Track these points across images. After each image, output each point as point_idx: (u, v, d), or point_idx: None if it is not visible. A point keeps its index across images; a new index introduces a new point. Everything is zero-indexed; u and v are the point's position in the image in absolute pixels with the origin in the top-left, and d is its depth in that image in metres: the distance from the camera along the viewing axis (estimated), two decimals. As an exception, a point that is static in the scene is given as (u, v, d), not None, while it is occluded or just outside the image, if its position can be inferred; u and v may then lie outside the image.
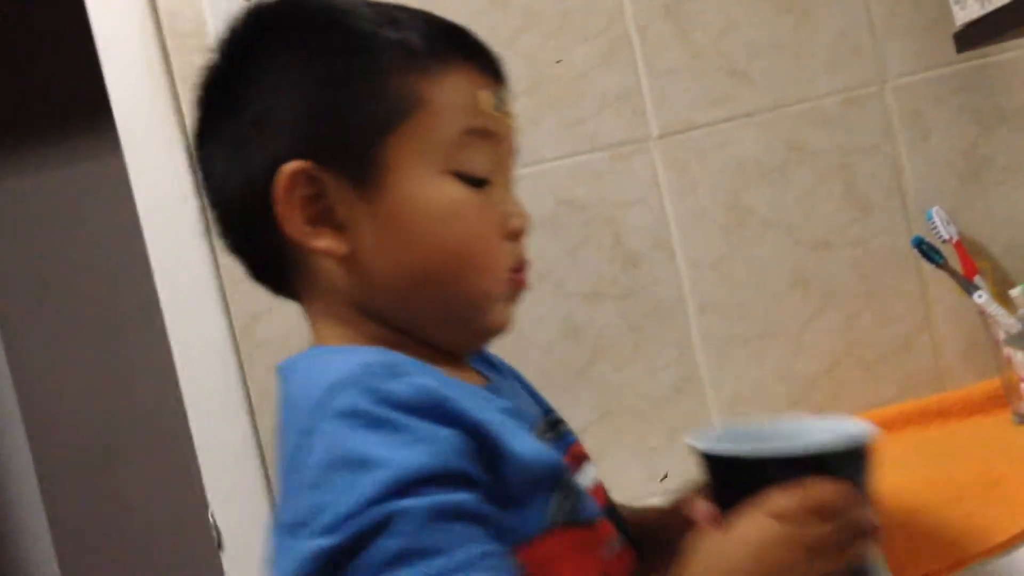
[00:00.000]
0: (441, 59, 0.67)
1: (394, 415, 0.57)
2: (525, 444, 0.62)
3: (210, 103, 0.70)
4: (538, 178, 1.16)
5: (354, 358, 0.62)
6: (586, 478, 0.72)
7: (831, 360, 1.17)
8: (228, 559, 1.19)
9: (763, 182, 1.16)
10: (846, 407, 1.17)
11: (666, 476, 1.05)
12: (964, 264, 1.11)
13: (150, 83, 1.17)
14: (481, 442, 0.59)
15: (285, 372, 0.66)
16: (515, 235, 0.70)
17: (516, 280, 0.70)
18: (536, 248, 1.15)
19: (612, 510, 0.72)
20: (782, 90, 1.16)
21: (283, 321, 1.12)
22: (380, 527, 0.54)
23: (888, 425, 1.14)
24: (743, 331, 1.18)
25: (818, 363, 1.17)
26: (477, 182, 0.67)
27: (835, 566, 0.59)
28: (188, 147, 1.18)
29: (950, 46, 1.08)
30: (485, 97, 0.68)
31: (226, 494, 1.16)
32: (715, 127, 1.16)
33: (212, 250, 1.18)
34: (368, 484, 0.54)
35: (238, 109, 0.67)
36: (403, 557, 0.53)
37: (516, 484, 0.60)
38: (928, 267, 1.13)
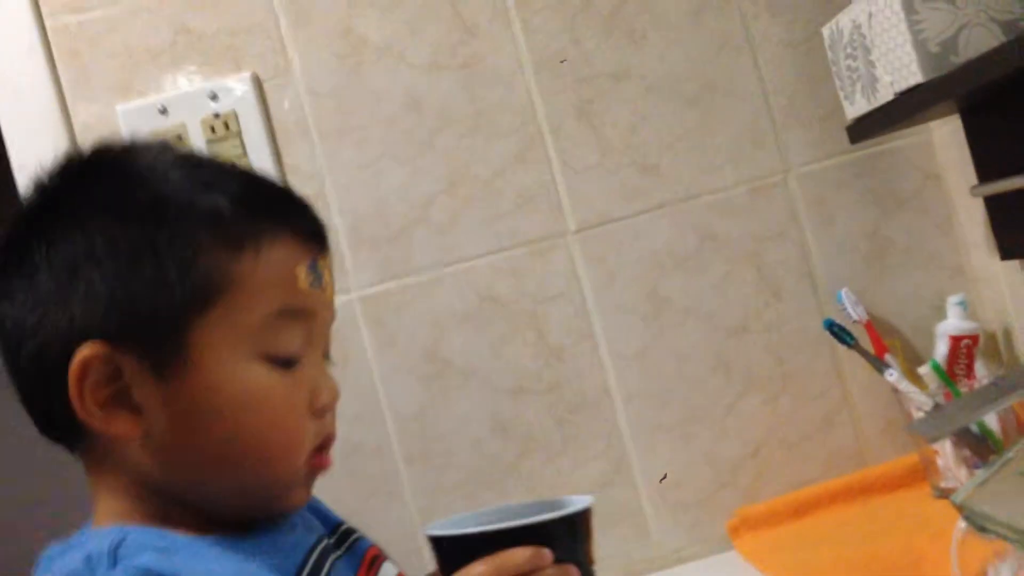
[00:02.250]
0: (257, 229, 0.64)
1: None
2: None
3: (8, 258, 0.66)
4: (460, 276, 1.18)
5: (84, 551, 0.60)
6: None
7: (755, 442, 1.19)
8: None
9: (678, 271, 1.19)
10: (772, 488, 1.18)
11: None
12: (874, 344, 1.15)
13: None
14: None
15: (39, 566, 0.64)
16: (323, 411, 0.68)
17: (317, 462, 0.68)
18: (461, 345, 1.18)
19: None
20: (691, 182, 1.20)
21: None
22: None
23: (813, 504, 1.16)
24: (668, 418, 1.19)
25: (742, 446, 1.19)
26: (286, 363, 0.65)
27: None
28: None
29: (846, 136, 1.13)
30: (302, 274, 0.66)
31: None
32: (630, 220, 1.19)
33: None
34: None
35: (34, 270, 0.63)
36: None
37: None
38: (841, 347, 1.17)
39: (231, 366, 0.63)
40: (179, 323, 0.62)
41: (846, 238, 1.20)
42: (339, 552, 0.73)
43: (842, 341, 1.14)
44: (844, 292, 1.17)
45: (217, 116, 1.15)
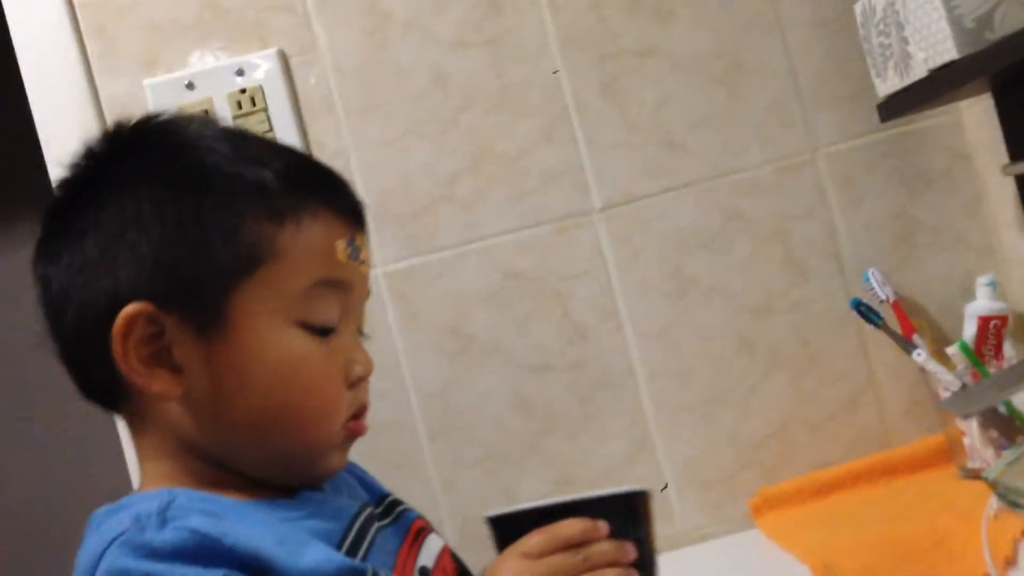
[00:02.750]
0: (299, 204, 0.66)
1: (154, 567, 0.57)
2: (313, 563, 0.61)
3: (55, 222, 0.68)
4: (484, 253, 1.18)
5: (133, 511, 0.61)
6: (430, 552, 0.73)
7: (778, 422, 1.19)
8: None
9: (704, 250, 1.19)
10: (796, 468, 1.18)
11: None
12: (902, 324, 1.14)
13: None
14: (257, 573, 0.58)
15: (89, 526, 0.64)
16: (357, 382, 0.70)
17: (353, 427, 0.70)
18: (485, 322, 1.18)
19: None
20: (718, 161, 1.19)
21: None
22: None
23: (837, 484, 1.15)
24: (692, 397, 1.19)
25: (766, 426, 1.19)
26: (323, 331, 0.67)
27: None
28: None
29: (876, 115, 1.12)
30: (341, 247, 0.68)
31: None
32: (655, 198, 1.19)
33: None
34: None
35: (81, 234, 0.65)
36: None
37: None
38: (868, 328, 1.16)
39: (270, 331, 0.65)
40: (222, 287, 0.64)
41: (874, 218, 1.19)
42: (385, 521, 0.74)
43: (869, 321, 1.14)
44: (871, 272, 1.16)
45: (243, 92, 1.15)
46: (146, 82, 1.17)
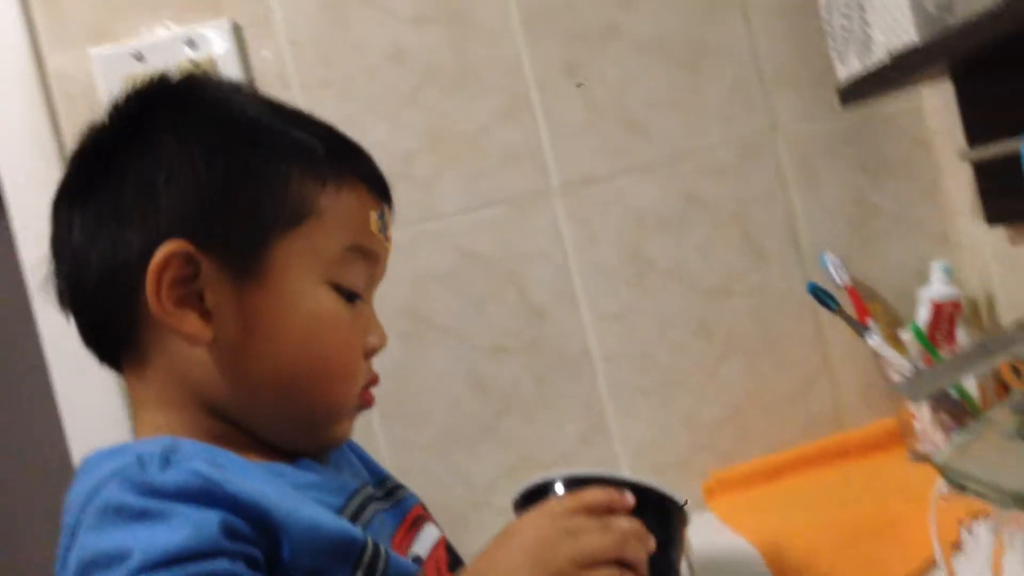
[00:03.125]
0: (338, 172, 0.68)
1: (153, 504, 0.55)
2: (311, 519, 0.60)
3: (87, 166, 0.68)
4: (441, 233, 1.16)
5: (135, 450, 0.60)
6: (425, 541, 0.72)
7: (735, 406, 1.19)
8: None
9: (662, 233, 1.18)
10: (750, 451, 1.18)
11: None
12: (857, 308, 1.15)
13: (38, 147, 1.13)
14: (256, 522, 0.57)
15: (81, 468, 0.63)
16: (371, 353, 0.72)
17: (365, 397, 0.72)
18: (440, 303, 1.17)
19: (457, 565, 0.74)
20: (678, 142, 1.18)
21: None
22: None
23: (789, 467, 1.16)
24: (648, 380, 1.19)
25: (722, 409, 1.19)
26: (350, 296, 0.69)
27: (595, 551, 0.61)
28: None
29: (837, 99, 1.12)
30: (374, 218, 0.70)
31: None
32: (614, 180, 1.18)
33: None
34: (115, 573, 0.52)
35: (119, 177, 0.65)
36: None
37: (304, 559, 0.59)
38: (824, 312, 1.16)
39: (305, 286, 0.66)
40: (264, 236, 0.65)
41: (832, 202, 1.20)
42: (384, 505, 0.73)
43: (825, 305, 1.14)
44: (828, 256, 1.16)
45: (195, 64, 1.12)
46: (93, 52, 1.14)
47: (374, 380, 0.73)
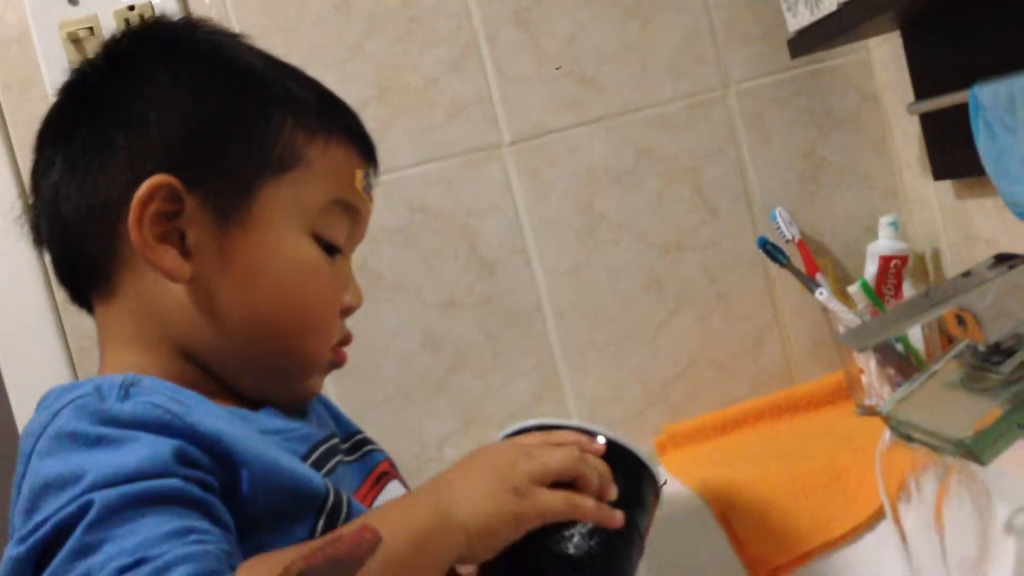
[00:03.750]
0: (328, 127, 0.69)
1: (109, 431, 0.55)
2: (273, 458, 0.60)
3: (74, 101, 0.67)
4: (390, 186, 1.14)
5: (93, 383, 0.59)
6: (388, 497, 0.72)
7: (686, 361, 1.19)
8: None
9: (614, 187, 1.17)
10: (702, 406, 1.19)
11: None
12: (806, 263, 1.15)
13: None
14: (214, 453, 0.57)
15: (39, 404, 0.62)
16: (347, 311, 0.72)
17: (338, 353, 0.72)
18: (391, 258, 1.15)
19: None
20: (629, 96, 1.17)
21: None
22: (67, 526, 0.51)
23: (740, 422, 1.17)
24: (600, 335, 1.18)
25: (674, 364, 1.19)
26: (332, 250, 0.69)
27: (565, 464, 0.62)
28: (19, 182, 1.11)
29: (787, 52, 1.12)
30: (359, 176, 0.71)
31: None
32: (566, 132, 1.16)
33: (46, 276, 1.11)
34: (68, 494, 0.52)
35: (107, 113, 0.65)
36: (85, 548, 0.50)
37: (263, 498, 0.58)
38: (774, 266, 1.17)
39: (288, 233, 0.66)
40: (250, 180, 0.65)
41: (782, 157, 1.19)
42: (349, 458, 0.73)
43: (775, 260, 1.14)
44: (778, 211, 1.17)
45: (132, 8, 1.08)
46: (26, -3, 1.09)
47: (348, 338, 0.73)
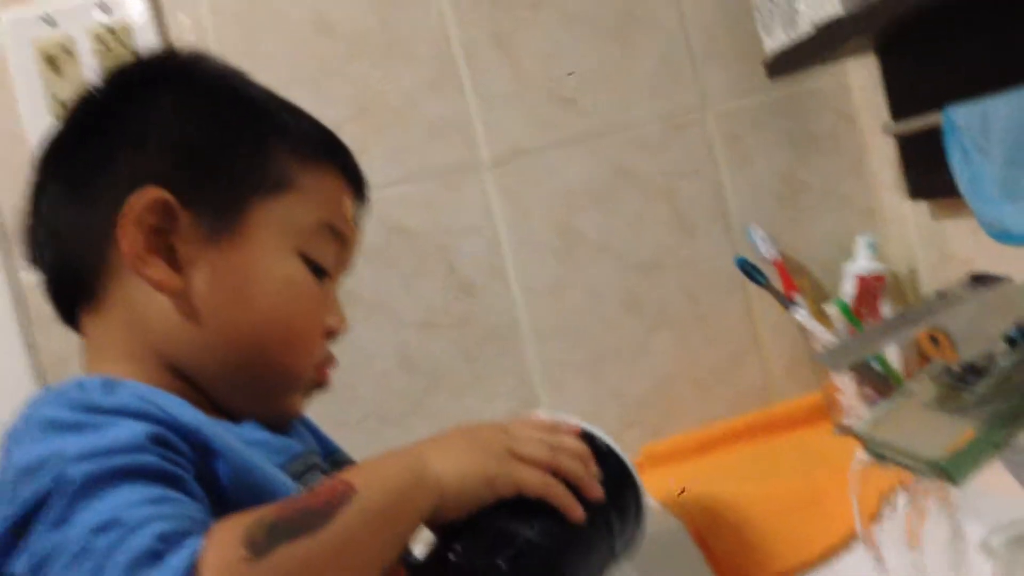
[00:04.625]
0: (322, 158, 0.71)
1: (88, 417, 0.55)
2: (250, 459, 0.60)
3: (78, 122, 0.69)
4: (369, 207, 1.13)
5: (76, 380, 0.60)
6: None
7: (664, 380, 1.19)
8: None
9: (593, 207, 1.17)
10: (680, 425, 1.19)
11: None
12: (784, 282, 1.16)
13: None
14: (193, 443, 0.57)
15: (27, 407, 0.62)
16: (331, 334, 0.73)
17: (321, 374, 0.73)
18: (369, 278, 1.14)
19: None
20: (608, 116, 1.17)
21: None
22: (42, 499, 0.51)
23: (718, 441, 1.17)
24: (579, 355, 1.18)
25: (652, 383, 1.19)
26: (318, 272, 0.70)
27: (543, 448, 0.63)
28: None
29: (764, 74, 1.12)
30: (348, 204, 0.73)
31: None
32: (544, 153, 1.17)
33: (15, 292, 1.10)
34: (45, 475, 0.52)
35: (111, 133, 0.67)
36: (61, 519, 0.50)
37: (239, 492, 0.58)
38: (752, 286, 1.17)
39: (278, 251, 0.68)
40: (243, 198, 0.67)
41: (761, 178, 1.20)
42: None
43: (753, 279, 1.14)
44: (757, 231, 1.17)
45: (110, 31, 1.08)
46: (2, 16, 1.08)
47: (331, 360, 0.74)
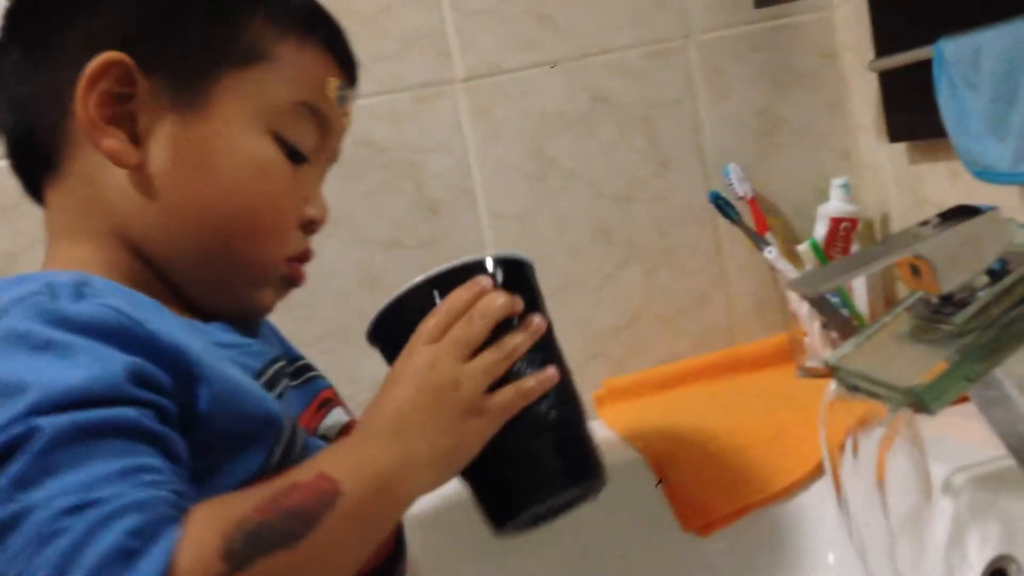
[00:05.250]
0: (307, 32, 0.66)
1: (61, 336, 0.51)
2: (233, 377, 0.57)
3: None
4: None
5: (44, 278, 0.55)
6: (331, 424, 0.70)
7: (630, 314, 1.17)
8: None
9: (567, 132, 1.14)
10: (643, 361, 1.17)
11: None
12: (756, 221, 1.14)
13: None
14: (174, 366, 0.53)
15: None
16: (310, 225, 0.69)
17: (294, 269, 0.68)
18: (331, 191, 1.08)
19: None
20: (588, 39, 1.14)
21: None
22: (10, 449, 0.47)
23: (680, 379, 1.16)
24: (545, 283, 1.14)
25: (617, 317, 1.17)
26: (294, 155, 0.66)
27: (497, 359, 0.63)
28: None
29: (750, 3, 1.09)
30: (332, 85, 0.67)
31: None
32: (521, 73, 1.13)
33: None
34: (11, 408, 0.48)
35: None
36: (28, 479, 0.46)
37: (222, 419, 0.55)
38: (723, 223, 1.15)
39: (246, 130, 0.63)
40: (209, 68, 0.62)
41: (739, 112, 1.17)
42: (294, 383, 0.70)
43: (726, 215, 1.12)
44: (732, 167, 1.15)
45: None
46: None
47: (306, 255, 0.70)
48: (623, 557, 0.95)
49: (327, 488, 0.51)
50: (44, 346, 0.50)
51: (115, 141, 0.61)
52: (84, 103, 0.60)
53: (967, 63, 0.80)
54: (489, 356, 0.63)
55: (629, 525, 0.95)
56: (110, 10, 0.62)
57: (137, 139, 0.61)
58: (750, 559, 0.92)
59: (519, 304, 0.65)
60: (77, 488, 0.46)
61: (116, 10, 0.62)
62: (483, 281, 0.65)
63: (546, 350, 0.67)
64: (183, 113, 0.62)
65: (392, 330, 0.66)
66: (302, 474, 0.53)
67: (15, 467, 0.46)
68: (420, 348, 0.63)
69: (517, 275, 0.68)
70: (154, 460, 0.49)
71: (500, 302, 0.64)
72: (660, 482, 0.96)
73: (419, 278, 0.67)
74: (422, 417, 0.60)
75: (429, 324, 0.63)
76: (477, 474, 0.64)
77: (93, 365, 0.50)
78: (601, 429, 1.09)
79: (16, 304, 0.53)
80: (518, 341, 0.64)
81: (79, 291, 0.54)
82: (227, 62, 0.63)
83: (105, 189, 0.62)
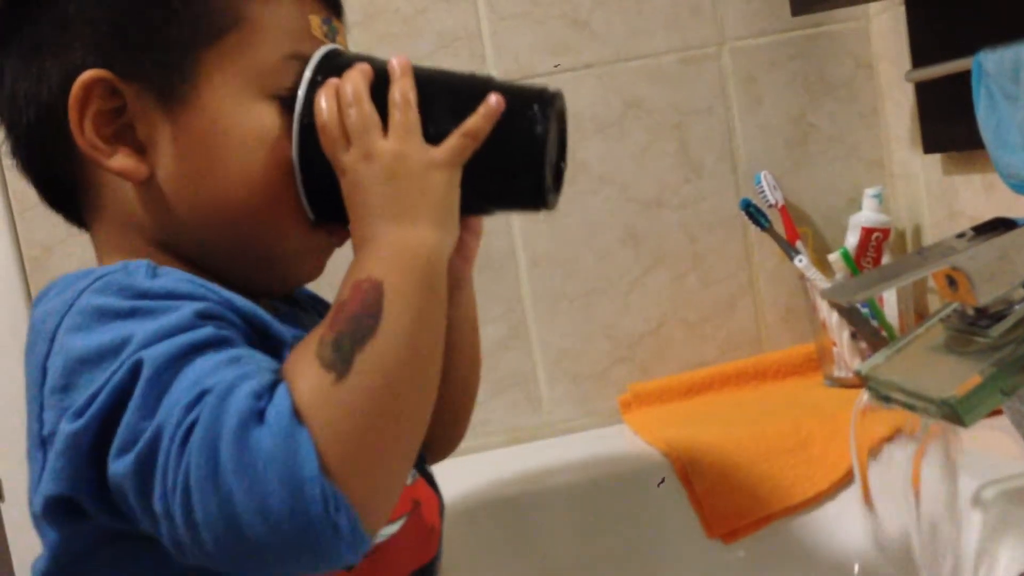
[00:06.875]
0: None
1: (143, 303, 0.53)
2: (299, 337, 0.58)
3: (10, 7, 0.62)
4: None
5: (118, 264, 0.57)
6: None
7: (657, 319, 1.17)
8: (8, 509, 1.09)
9: (598, 136, 1.14)
10: (669, 366, 1.17)
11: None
12: (787, 229, 1.13)
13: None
14: (251, 324, 0.55)
15: (47, 290, 0.59)
16: None
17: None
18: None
19: None
20: (622, 44, 1.14)
21: (82, 253, 1.02)
22: (124, 390, 0.49)
23: (706, 385, 1.15)
24: (572, 287, 1.16)
25: (644, 322, 1.17)
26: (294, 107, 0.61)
27: (401, 116, 0.58)
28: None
29: (786, 11, 1.09)
30: (316, 23, 0.63)
31: (8, 441, 1.05)
32: (554, 76, 1.13)
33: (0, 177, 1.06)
34: (115, 362, 0.50)
35: (39, 12, 0.61)
36: (149, 406, 0.49)
37: None
38: (753, 230, 1.15)
39: (240, 103, 0.60)
40: (184, 55, 0.59)
41: (772, 120, 1.17)
42: None
43: (756, 223, 1.12)
44: (764, 175, 1.14)
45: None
46: None
47: None
48: (646, 562, 0.95)
49: (368, 287, 0.52)
50: (130, 313, 0.52)
51: (121, 157, 0.60)
52: (80, 131, 0.59)
53: (1007, 75, 0.79)
54: (396, 117, 0.58)
55: (653, 530, 0.95)
56: (76, 26, 0.60)
57: (141, 149, 0.60)
58: (774, 568, 0.92)
59: (364, 67, 0.60)
60: (189, 388, 0.48)
61: (81, 25, 0.60)
62: (326, 85, 0.60)
63: (441, 82, 0.63)
64: (174, 108, 0.60)
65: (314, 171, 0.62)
66: (341, 296, 0.53)
67: (134, 401, 0.49)
68: (342, 159, 0.58)
69: (334, 62, 0.62)
70: (244, 351, 0.52)
71: (351, 80, 0.59)
72: (662, 481, 0.95)
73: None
74: (393, 201, 0.57)
75: (329, 137, 0.59)
76: (483, 196, 0.63)
77: (171, 316, 0.52)
78: (626, 433, 1.10)
79: (93, 283, 0.55)
80: (400, 88, 0.59)
81: (153, 271, 0.56)
82: (201, 41, 0.60)
83: (131, 206, 0.62)
